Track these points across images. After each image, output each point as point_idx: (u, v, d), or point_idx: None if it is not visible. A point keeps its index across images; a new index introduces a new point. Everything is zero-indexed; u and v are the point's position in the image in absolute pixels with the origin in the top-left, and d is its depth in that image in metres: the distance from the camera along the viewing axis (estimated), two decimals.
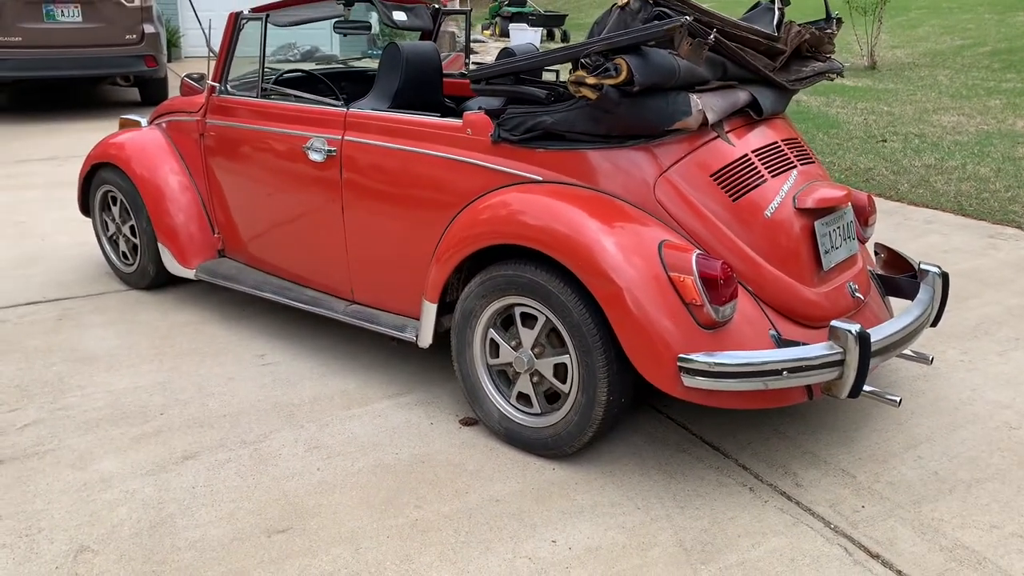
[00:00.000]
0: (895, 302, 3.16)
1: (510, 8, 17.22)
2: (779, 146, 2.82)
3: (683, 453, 2.79)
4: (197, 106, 3.88)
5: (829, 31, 3.07)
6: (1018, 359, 3.44)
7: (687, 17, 2.40)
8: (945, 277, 2.96)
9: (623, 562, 2.29)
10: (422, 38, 4.32)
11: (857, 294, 2.80)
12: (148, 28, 8.91)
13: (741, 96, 2.75)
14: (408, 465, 2.73)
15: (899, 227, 5.21)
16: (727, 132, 2.72)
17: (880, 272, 3.17)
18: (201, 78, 4.06)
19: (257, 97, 3.57)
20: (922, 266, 2.99)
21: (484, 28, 17.35)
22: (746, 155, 2.70)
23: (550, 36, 16.52)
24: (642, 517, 2.47)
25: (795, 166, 2.80)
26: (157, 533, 2.41)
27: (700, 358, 2.37)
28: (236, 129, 3.63)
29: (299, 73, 3.99)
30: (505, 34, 16.17)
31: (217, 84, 3.72)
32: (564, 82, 2.75)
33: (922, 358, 2.91)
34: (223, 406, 3.11)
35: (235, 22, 3.63)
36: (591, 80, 2.47)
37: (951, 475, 2.67)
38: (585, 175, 2.66)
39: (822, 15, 3.15)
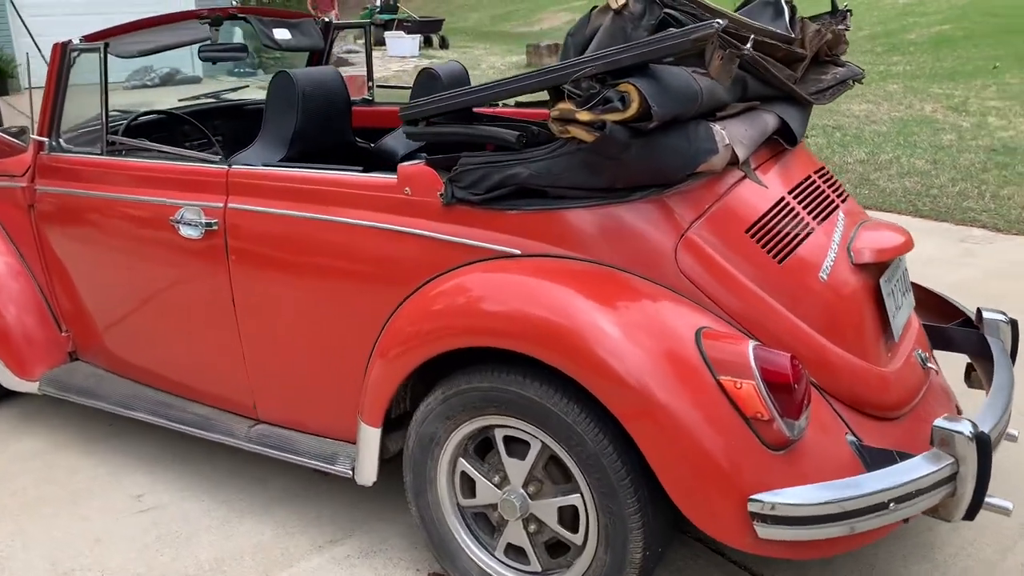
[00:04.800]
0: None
1: (383, 16, 16.26)
2: (813, 181, 2.18)
3: None
4: (24, 167, 2.94)
5: (842, 27, 2.45)
6: None
7: (719, 21, 1.70)
8: (1014, 325, 2.38)
9: None
10: (311, 61, 3.49)
11: (929, 364, 2.18)
12: None
13: (769, 121, 2.08)
14: None
15: None
16: (754, 170, 2.05)
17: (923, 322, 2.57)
18: (22, 132, 3.10)
19: (102, 154, 2.67)
20: (986, 315, 2.39)
21: (356, 38, 16.35)
22: (783, 198, 2.04)
23: (427, 43, 15.68)
24: None
25: (837, 206, 2.16)
26: None
27: (782, 499, 1.68)
28: (76, 197, 2.72)
29: (157, 115, 3.10)
30: (381, 43, 15.22)
31: (46, 139, 2.80)
32: (525, 121, 2.01)
33: (1008, 436, 2.31)
34: None
35: (62, 55, 2.71)
36: (584, 116, 1.74)
37: None
38: (579, 243, 1.92)
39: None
